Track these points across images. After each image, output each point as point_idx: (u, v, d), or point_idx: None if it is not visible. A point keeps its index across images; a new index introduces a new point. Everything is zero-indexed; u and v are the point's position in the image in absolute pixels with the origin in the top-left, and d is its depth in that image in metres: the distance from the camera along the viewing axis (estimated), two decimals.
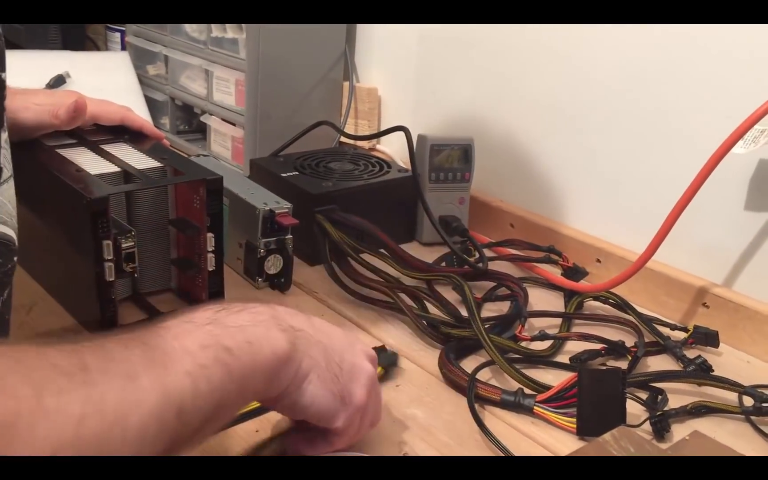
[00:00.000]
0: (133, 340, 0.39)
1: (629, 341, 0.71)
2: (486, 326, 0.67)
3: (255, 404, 0.57)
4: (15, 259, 0.54)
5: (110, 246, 0.62)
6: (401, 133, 0.92)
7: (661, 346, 0.72)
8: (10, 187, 0.54)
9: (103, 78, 1.17)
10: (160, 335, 0.40)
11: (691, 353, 0.71)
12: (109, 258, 0.62)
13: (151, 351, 0.38)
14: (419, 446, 0.56)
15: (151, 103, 1.21)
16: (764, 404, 0.63)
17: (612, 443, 0.41)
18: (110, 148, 0.73)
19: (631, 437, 0.43)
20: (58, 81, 1.10)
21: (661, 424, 0.59)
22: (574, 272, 0.85)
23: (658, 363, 0.71)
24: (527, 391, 0.62)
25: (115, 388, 0.34)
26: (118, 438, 0.34)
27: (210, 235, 0.68)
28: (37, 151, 0.71)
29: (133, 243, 0.63)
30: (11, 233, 0.53)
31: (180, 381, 0.38)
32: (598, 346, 0.71)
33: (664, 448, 0.53)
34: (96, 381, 0.34)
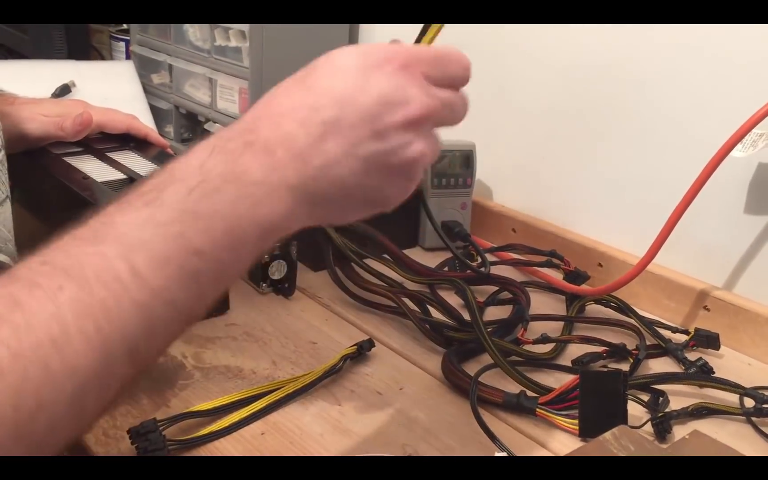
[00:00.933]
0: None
1: (630, 344, 0.72)
2: (488, 330, 0.68)
3: (261, 404, 0.58)
4: None
5: None
6: None
7: (663, 349, 0.73)
8: (5, 210, 0.53)
9: (108, 87, 1.18)
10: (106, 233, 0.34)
11: (692, 356, 0.72)
12: None
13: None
14: (422, 448, 0.57)
15: (155, 111, 1.22)
16: (765, 406, 0.63)
17: (612, 442, 0.42)
18: (116, 156, 0.74)
19: (631, 436, 0.43)
20: (64, 90, 1.11)
21: (662, 426, 0.59)
22: (576, 276, 0.86)
23: (660, 365, 0.71)
24: (529, 393, 0.62)
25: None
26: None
27: None
28: (43, 158, 0.72)
29: None
30: (6, 260, 0.52)
31: (126, 318, 0.33)
32: (599, 348, 0.71)
33: (664, 448, 0.54)
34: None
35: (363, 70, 0.38)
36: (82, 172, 0.69)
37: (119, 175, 0.69)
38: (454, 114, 0.43)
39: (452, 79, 0.43)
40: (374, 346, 0.69)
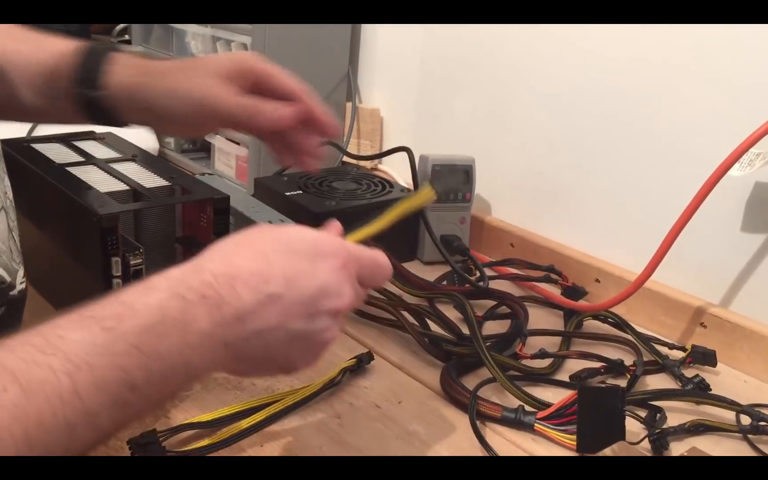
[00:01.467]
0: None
1: (628, 360, 0.72)
2: (487, 344, 0.68)
3: (260, 416, 0.58)
4: (10, 296, 0.53)
5: (119, 263, 0.63)
6: (403, 154, 0.94)
7: (660, 365, 0.73)
8: (0, 222, 0.53)
9: None
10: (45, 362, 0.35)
11: (689, 372, 0.72)
12: (118, 274, 0.63)
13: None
14: None
15: None
16: (761, 423, 0.63)
17: None
18: (119, 167, 0.75)
19: (630, 453, 0.44)
20: None
21: (659, 442, 0.60)
22: (574, 292, 0.86)
23: (657, 382, 0.72)
24: (528, 408, 0.63)
25: None
26: None
27: None
28: (46, 168, 0.72)
29: (141, 260, 0.64)
30: (1, 273, 0.52)
31: (55, 434, 0.34)
32: (597, 364, 0.72)
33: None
34: None
35: (313, 258, 0.44)
36: (86, 182, 0.69)
37: (122, 186, 0.70)
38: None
39: (375, 284, 0.50)
40: (373, 359, 0.69)
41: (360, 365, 0.67)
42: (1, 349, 0.35)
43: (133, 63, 0.59)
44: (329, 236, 0.47)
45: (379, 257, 0.49)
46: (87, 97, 0.58)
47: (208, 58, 0.61)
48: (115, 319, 0.37)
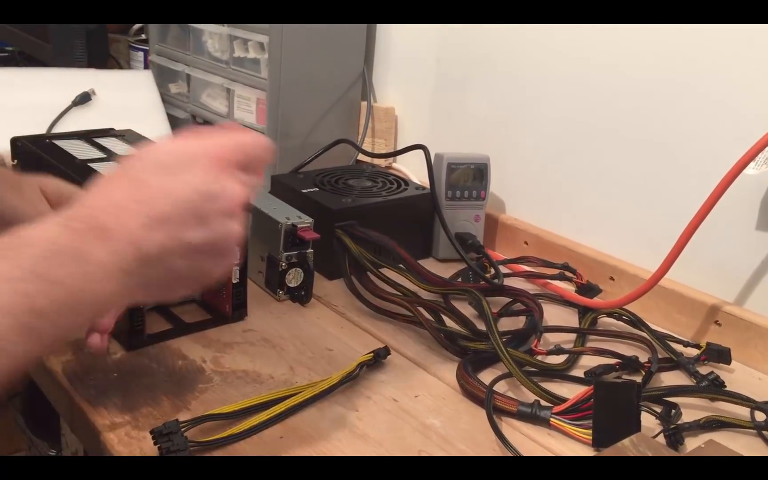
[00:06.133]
0: None
1: (643, 357, 0.72)
2: (503, 340, 0.69)
3: (279, 409, 0.59)
4: None
5: None
6: (417, 152, 0.95)
7: (674, 362, 0.74)
8: None
9: (126, 96, 1.20)
10: None
11: (703, 370, 0.72)
12: None
13: None
14: (437, 454, 0.57)
15: (172, 120, 1.24)
16: None
17: (630, 448, 0.43)
18: None
19: (649, 443, 0.44)
20: (84, 98, 1.13)
21: (675, 437, 0.60)
22: (588, 289, 0.87)
23: (671, 379, 0.72)
24: (543, 403, 0.63)
25: None
26: None
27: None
28: (68, 164, 0.73)
29: None
30: None
31: None
32: (612, 360, 0.72)
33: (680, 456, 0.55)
34: None
35: (185, 165, 0.44)
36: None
37: None
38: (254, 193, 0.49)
39: (257, 160, 0.48)
40: (390, 353, 0.70)
41: (377, 359, 0.68)
42: None
43: None
44: (194, 139, 0.46)
45: (247, 135, 0.48)
46: None
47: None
48: (13, 249, 0.39)
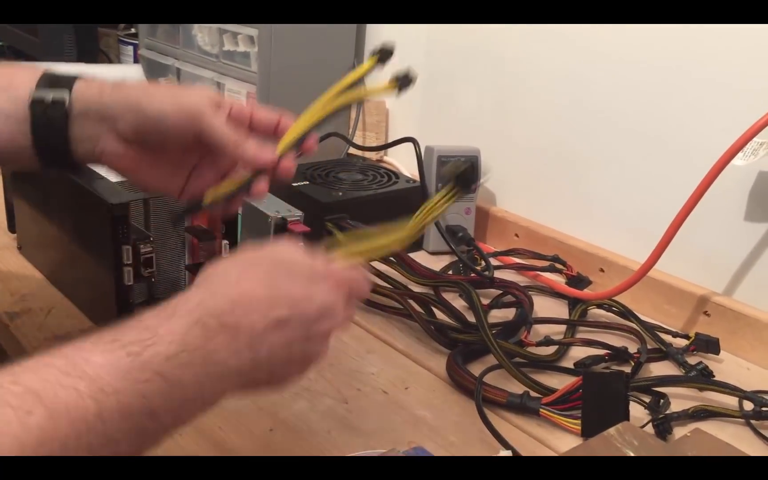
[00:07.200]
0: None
1: (632, 348, 0.73)
2: (492, 332, 0.69)
3: None
4: None
5: (129, 251, 0.64)
6: (408, 145, 0.95)
7: (663, 353, 0.74)
8: None
9: None
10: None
11: (692, 360, 0.73)
12: (128, 262, 0.64)
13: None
14: (428, 445, 0.57)
15: None
16: (764, 409, 0.64)
17: (617, 437, 0.43)
18: None
19: (635, 432, 0.44)
20: None
21: (663, 427, 0.61)
22: (578, 281, 0.87)
23: (661, 369, 0.72)
24: (533, 393, 0.64)
25: None
26: None
27: (225, 241, 0.70)
28: None
29: (151, 248, 0.65)
30: None
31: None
32: (601, 351, 0.72)
33: (667, 445, 0.55)
34: None
35: (311, 279, 0.45)
36: (97, 173, 0.70)
37: None
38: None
39: (360, 298, 0.50)
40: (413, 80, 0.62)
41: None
42: (21, 369, 0.34)
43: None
44: (322, 258, 0.48)
45: (362, 274, 0.50)
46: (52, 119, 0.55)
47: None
48: (139, 345, 0.37)
